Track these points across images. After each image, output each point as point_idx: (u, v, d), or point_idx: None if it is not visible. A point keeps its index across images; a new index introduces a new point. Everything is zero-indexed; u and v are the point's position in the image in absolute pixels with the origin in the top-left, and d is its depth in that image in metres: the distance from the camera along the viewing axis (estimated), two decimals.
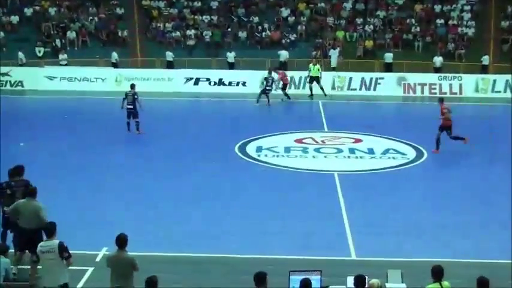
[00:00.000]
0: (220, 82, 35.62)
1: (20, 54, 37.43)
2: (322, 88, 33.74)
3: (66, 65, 37.83)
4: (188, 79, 35.75)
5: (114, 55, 38.13)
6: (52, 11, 43.11)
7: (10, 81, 35.15)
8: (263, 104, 31.15)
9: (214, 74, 36.21)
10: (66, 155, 22.12)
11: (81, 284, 12.73)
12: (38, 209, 12.75)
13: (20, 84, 35.22)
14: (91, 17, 43.06)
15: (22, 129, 25.41)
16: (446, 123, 22.49)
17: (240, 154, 22.64)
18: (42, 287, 10.88)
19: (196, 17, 43.72)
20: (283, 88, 33.18)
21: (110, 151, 22.85)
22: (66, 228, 14.47)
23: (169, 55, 38.58)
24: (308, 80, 34.11)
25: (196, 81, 35.60)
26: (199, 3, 44.83)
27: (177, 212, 17.00)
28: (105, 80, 35.59)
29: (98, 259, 13.69)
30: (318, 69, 33.93)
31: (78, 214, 16.35)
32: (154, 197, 17.99)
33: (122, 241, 10.68)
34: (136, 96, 25.27)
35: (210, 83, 35.67)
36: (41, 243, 10.97)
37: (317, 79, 33.75)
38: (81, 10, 43.89)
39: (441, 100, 23.45)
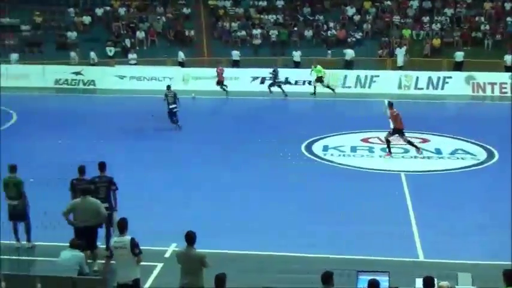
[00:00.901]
0: (287, 81, 35.75)
1: (92, 54, 38.51)
2: (328, 86, 34.00)
3: (135, 64, 38.67)
4: (254, 78, 36.01)
5: (181, 54, 38.76)
6: (122, 11, 44.17)
7: (83, 80, 36.15)
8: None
9: (281, 73, 36.28)
10: (137, 152, 22.69)
11: (150, 279, 13.00)
12: (98, 205, 13.12)
13: (92, 83, 36.18)
14: (159, 17, 43.89)
15: (94, 127, 26.12)
16: (399, 127, 22.12)
17: (306, 153, 22.76)
18: (115, 282, 11.14)
19: (262, 16, 44.03)
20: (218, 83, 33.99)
21: (177, 148, 23.32)
22: (136, 224, 15.06)
23: (236, 54, 38.98)
24: (314, 80, 34.03)
25: (262, 80, 35.82)
26: (265, 3, 45.14)
27: (242, 210, 17.20)
28: (172, 79, 36.11)
29: (167, 255, 14.01)
30: (320, 70, 33.88)
31: (148, 210, 16.73)
32: (221, 195, 18.29)
33: (190, 238, 10.82)
34: (177, 96, 26.04)
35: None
36: (114, 239, 11.23)
37: (321, 79, 33.80)
38: (150, 10, 44.80)
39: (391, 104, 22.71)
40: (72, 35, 41.62)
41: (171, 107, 25.85)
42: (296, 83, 35.81)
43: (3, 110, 28.70)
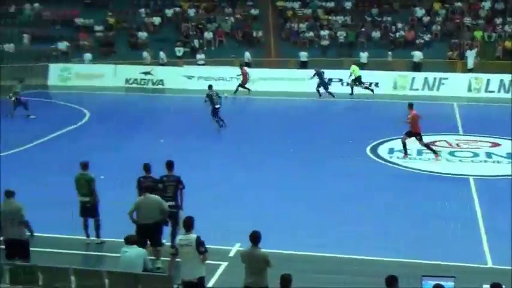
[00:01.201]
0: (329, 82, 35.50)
1: (161, 54, 39.19)
2: (367, 87, 34.09)
3: (203, 64, 39.14)
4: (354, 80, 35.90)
5: (247, 55, 39.03)
6: (191, 12, 44.78)
7: (152, 80, 36.82)
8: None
9: (347, 75, 36.13)
10: (202, 151, 22.97)
11: (214, 278, 13.13)
12: (160, 202, 13.42)
13: (160, 82, 36.80)
14: (227, 18, 44.31)
15: (163, 126, 26.60)
16: (415, 130, 21.70)
17: (371, 155, 22.62)
18: (179, 280, 11.20)
19: (330, 17, 43.92)
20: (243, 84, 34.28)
21: (243, 148, 23.49)
22: (201, 223, 15.27)
23: (303, 55, 39.00)
24: (351, 80, 33.86)
25: (329, 82, 35.69)
26: (333, 4, 45.00)
27: (306, 210, 17.19)
28: (240, 80, 36.40)
29: (231, 254, 14.14)
30: (356, 70, 33.90)
31: (213, 209, 16.90)
32: (286, 195, 18.33)
33: (255, 237, 10.85)
34: (219, 96, 26.32)
35: (342, 84, 35.63)
36: (180, 237, 11.33)
37: (359, 79, 33.75)
38: (218, 11, 45.28)
39: (411, 105, 22.31)
40: (142, 35, 42.49)
41: (216, 106, 26.03)
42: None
43: (77, 108, 29.56)
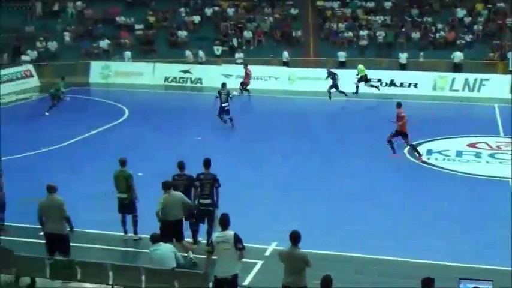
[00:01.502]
0: (392, 83, 35.35)
1: (200, 53, 39.52)
2: (372, 85, 34.04)
3: (241, 63, 39.24)
4: (359, 80, 35.75)
5: (285, 54, 39.07)
6: (230, 11, 44.99)
7: (191, 78, 37.11)
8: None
9: (386, 75, 35.97)
10: (239, 150, 23.14)
11: (250, 277, 13.17)
12: (182, 198, 13.66)
13: (199, 81, 37.08)
14: (266, 17, 44.40)
15: (200, 124, 26.80)
16: (403, 129, 21.66)
17: (409, 156, 22.44)
18: (213, 276, 11.15)
19: (369, 17, 43.70)
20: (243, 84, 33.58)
21: (279, 148, 23.42)
22: (237, 222, 15.36)
23: (342, 55, 38.93)
24: (358, 79, 33.68)
25: (367, 82, 35.51)
26: (373, 4, 44.76)
27: (344, 210, 17.16)
28: (278, 79, 36.50)
29: (267, 253, 14.20)
30: (362, 70, 33.83)
31: (249, 208, 17.00)
32: (325, 195, 18.34)
33: (295, 237, 10.80)
34: (230, 95, 26.20)
35: (381, 84, 35.49)
36: (217, 234, 11.33)
37: (365, 78, 33.65)
38: (257, 10, 45.40)
39: (399, 105, 22.36)
40: (182, 34, 42.84)
41: (223, 104, 25.99)
42: (402, 85, 35.31)
43: (116, 106, 29.94)
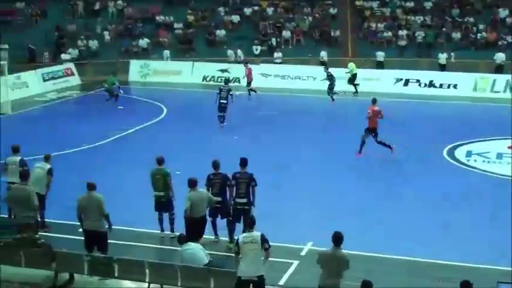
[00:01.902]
0: (431, 84, 34.99)
1: (239, 52, 39.61)
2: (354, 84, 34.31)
3: (280, 63, 39.33)
4: (398, 80, 35.58)
5: (323, 54, 38.97)
6: (270, 10, 45.05)
7: (229, 78, 37.15)
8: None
9: (425, 76, 35.63)
10: (276, 149, 23.13)
11: (285, 276, 13.21)
12: (208, 196, 13.88)
13: (237, 80, 37.18)
14: (305, 17, 44.35)
15: (237, 124, 26.87)
16: (372, 125, 21.73)
17: (448, 158, 22.25)
18: (237, 277, 11.13)
19: (408, 17, 43.33)
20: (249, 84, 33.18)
21: (316, 148, 23.44)
22: (273, 221, 15.43)
23: (380, 55, 38.66)
24: (348, 78, 33.95)
25: (406, 82, 35.31)
26: (413, 3, 44.38)
27: (383, 213, 17.04)
28: (316, 79, 36.42)
29: (303, 253, 14.24)
30: (352, 68, 34.32)
31: (286, 207, 17.05)
32: (358, 197, 18.30)
33: (338, 238, 10.73)
34: (231, 93, 26.04)
35: (420, 85, 35.18)
36: (243, 234, 11.36)
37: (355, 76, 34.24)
38: (297, 10, 45.37)
39: (374, 101, 22.45)
40: (220, 33, 43.03)
41: (222, 101, 25.78)
42: (441, 86, 34.94)
43: (155, 104, 30.23)
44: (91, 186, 13.17)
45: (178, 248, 12.26)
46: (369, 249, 14.42)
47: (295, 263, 13.80)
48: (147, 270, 11.74)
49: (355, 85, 34.28)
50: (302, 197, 18.22)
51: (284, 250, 14.03)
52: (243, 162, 14.63)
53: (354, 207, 17.43)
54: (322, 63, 38.49)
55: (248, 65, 34.12)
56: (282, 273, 13.19)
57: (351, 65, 34.83)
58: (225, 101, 25.85)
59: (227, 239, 14.74)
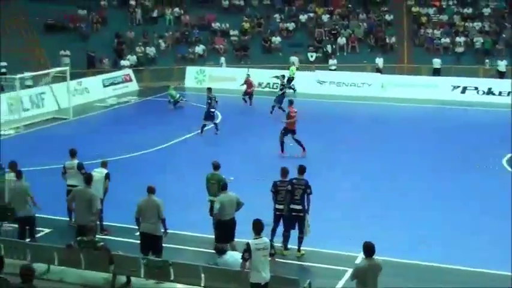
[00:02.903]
0: (489, 91, 34.45)
1: (292, 58, 39.72)
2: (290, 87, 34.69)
3: (335, 70, 39.29)
4: (455, 87, 35.14)
5: (378, 60, 38.77)
6: (325, 17, 45.05)
7: (284, 84, 37.28)
8: None
9: (483, 83, 35.10)
10: (332, 156, 23.21)
11: (340, 283, 13.25)
12: (237, 198, 14.00)
13: (292, 87, 37.25)
14: (360, 23, 44.21)
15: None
16: (291, 127, 22.65)
17: (508, 167, 21.90)
18: (257, 283, 11.18)
19: (466, 23, 42.75)
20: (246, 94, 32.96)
21: (370, 155, 23.44)
22: (328, 228, 15.51)
23: (437, 62, 38.26)
24: (286, 81, 33.81)
25: (464, 90, 34.84)
26: (470, 10, 43.77)
27: (441, 221, 16.89)
28: (371, 86, 36.29)
29: (357, 261, 14.20)
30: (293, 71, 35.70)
31: (340, 214, 17.13)
32: (412, 205, 18.19)
33: (370, 249, 10.57)
34: (216, 100, 26.50)
35: (478, 92, 34.68)
36: (255, 241, 11.25)
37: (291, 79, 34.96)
38: (352, 16, 45.27)
39: (291, 103, 23.53)
40: (276, 40, 43.26)
41: (211, 110, 26.29)
42: (500, 93, 34.34)
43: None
44: (151, 190, 13.44)
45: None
46: (429, 259, 14.34)
47: (350, 270, 13.64)
48: (202, 275, 11.95)
49: (291, 88, 34.69)
50: (358, 203, 18.22)
51: (338, 257, 14.10)
52: (301, 169, 14.74)
53: (410, 218, 17.27)
54: (378, 70, 38.37)
55: (250, 77, 33.98)
56: (336, 279, 13.25)
57: (292, 68, 35.96)
58: (213, 109, 26.44)
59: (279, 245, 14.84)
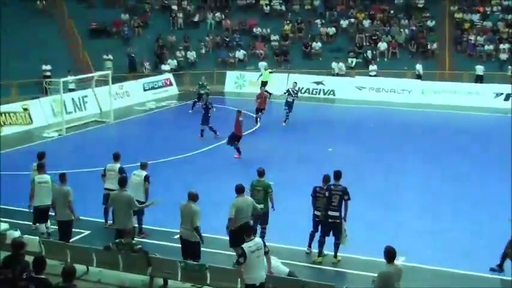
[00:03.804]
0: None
1: (334, 64, 39.65)
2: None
3: (375, 75, 39.08)
4: (498, 94, 34.68)
5: (418, 67, 38.45)
6: (366, 23, 44.86)
7: (323, 90, 37.33)
8: None
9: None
10: (371, 161, 23.15)
11: None
12: (252, 203, 13.99)
13: (331, 92, 37.24)
14: (402, 29, 43.91)
15: (332, 136, 26.96)
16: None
17: None
18: (247, 285, 11.39)
19: (511, 30, 42.11)
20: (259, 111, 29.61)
21: (411, 162, 23.28)
22: (368, 234, 15.45)
23: (480, 69, 37.76)
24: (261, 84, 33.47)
25: (507, 97, 34.31)
26: None
27: (488, 231, 16.57)
28: (411, 92, 36.04)
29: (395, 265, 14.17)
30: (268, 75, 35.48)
31: (378, 221, 17.05)
32: (464, 208, 18.13)
33: (391, 254, 10.68)
34: (212, 105, 26.88)
35: None
36: (248, 244, 11.32)
37: (266, 84, 34.03)
38: (393, 22, 44.99)
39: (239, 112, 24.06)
40: (316, 45, 43.23)
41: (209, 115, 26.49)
42: None
43: (250, 115, 30.58)
44: (191, 197, 13.44)
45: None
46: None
47: None
48: (238, 279, 12.03)
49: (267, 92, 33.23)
50: (396, 209, 18.16)
51: (376, 264, 13.98)
52: (337, 175, 14.68)
53: (459, 225, 17.12)
54: (418, 76, 38.06)
55: (265, 91, 31.20)
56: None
57: (266, 72, 36.03)
58: (209, 115, 26.55)
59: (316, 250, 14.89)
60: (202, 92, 31.84)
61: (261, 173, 15.20)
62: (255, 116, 29.36)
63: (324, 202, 14.54)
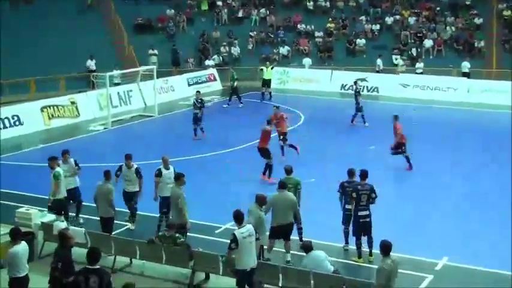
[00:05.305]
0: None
1: (378, 61, 39.38)
2: (270, 93, 34.54)
3: (420, 73, 38.66)
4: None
5: (465, 65, 37.89)
6: (411, 20, 44.41)
7: (367, 87, 37.06)
8: None
9: None
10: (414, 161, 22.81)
11: None
12: (292, 200, 13.99)
13: (375, 89, 36.97)
14: (448, 27, 43.35)
15: (375, 133, 26.75)
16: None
17: None
18: (239, 270, 11.58)
19: None
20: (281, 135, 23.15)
21: (455, 161, 22.96)
22: (411, 234, 15.36)
23: None
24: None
25: None
26: None
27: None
28: (456, 90, 35.56)
29: (437, 267, 14.06)
30: (269, 73, 35.13)
31: (421, 222, 16.88)
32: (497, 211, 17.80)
33: (388, 248, 10.76)
34: (204, 104, 26.42)
35: None
36: (240, 230, 11.52)
37: (269, 82, 34.63)
38: (439, 19, 44.43)
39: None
40: (360, 42, 42.98)
41: (196, 111, 25.95)
42: None
43: (293, 111, 30.58)
44: (259, 200, 13.51)
45: (304, 254, 12.57)
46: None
47: (430, 277, 13.61)
48: (280, 275, 12.11)
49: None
50: (446, 210, 17.94)
51: (419, 264, 13.97)
52: (364, 174, 14.64)
53: (492, 220, 16.94)
54: (464, 74, 37.52)
55: (280, 111, 23.82)
56: (415, 285, 13.11)
57: (270, 68, 35.64)
58: (198, 111, 25.96)
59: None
60: (235, 85, 32.41)
61: (288, 171, 15.28)
62: (280, 144, 22.79)
63: (352, 201, 14.51)
